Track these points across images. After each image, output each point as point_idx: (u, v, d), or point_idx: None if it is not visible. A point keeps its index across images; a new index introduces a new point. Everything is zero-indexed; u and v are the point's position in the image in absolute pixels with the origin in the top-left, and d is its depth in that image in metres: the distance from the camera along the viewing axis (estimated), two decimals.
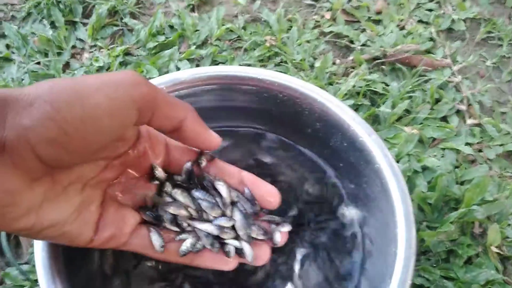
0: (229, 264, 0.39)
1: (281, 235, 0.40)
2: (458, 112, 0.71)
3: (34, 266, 0.55)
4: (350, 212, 0.52)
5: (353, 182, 0.51)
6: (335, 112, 0.49)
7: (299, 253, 0.51)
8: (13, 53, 0.76)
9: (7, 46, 0.77)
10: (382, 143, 0.47)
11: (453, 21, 0.83)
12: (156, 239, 0.37)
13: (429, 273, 0.54)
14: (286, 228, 0.41)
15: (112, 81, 0.29)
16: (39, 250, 0.40)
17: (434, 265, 0.56)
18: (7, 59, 0.75)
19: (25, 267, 0.56)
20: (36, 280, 0.54)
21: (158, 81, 0.49)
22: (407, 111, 0.70)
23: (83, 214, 0.34)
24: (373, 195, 0.48)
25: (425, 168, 0.63)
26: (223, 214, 0.39)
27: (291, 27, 0.80)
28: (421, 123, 0.68)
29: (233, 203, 0.40)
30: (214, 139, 0.36)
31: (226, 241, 0.39)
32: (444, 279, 0.54)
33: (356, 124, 0.48)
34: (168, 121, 0.33)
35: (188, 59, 0.75)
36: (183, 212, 0.39)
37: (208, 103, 0.53)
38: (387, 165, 0.46)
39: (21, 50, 0.76)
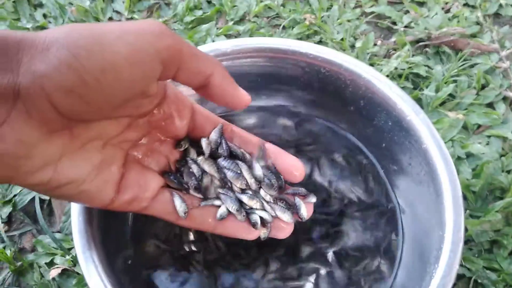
0: (252, 233, 0.38)
1: (306, 207, 0.39)
2: (505, 99, 0.67)
3: (66, 235, 0.55)
4: (391, 194, 0.50)
5: (396, 164, 0.49)
6: (381, 89, 0.47)
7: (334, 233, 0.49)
8: (50, 22, 0.75)
9: (44, 16, 0.76)
10: (430, 123, 0.45)
11: (500, 6, 0.79)
12: (179, 205, 0.36)
13: (471, 263, 0.52)
14: (312, 199, 0.40)
15: (134, 29, 0.27)
16: (76, 214, 0.39)
17: (477, 255, 0.53)
18: (44, 29, 0.74)
19: (57, 236, 0.55)
20: (69, 249, 0.53)
21: None
22: (451, 96, 0.67)
23: (103, 173, 0.32)
24: (418, 177, 0.46)
25: (469, 155, 0.60)
26: (247, 185, 0.38)
27: (332, 5, 0.78)
28: (466, 109, 0.65)
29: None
30: (243, 97, 0.35)
31: (254, 210, 0.38)
32: (487, 270, 0.52)
33: (403, 103, 0.46)
34: (194, 76, 0.32)
35: (225, 35, 0.73)
36: (208, 180, 0.38)
37: (247, 77, 0.51)
38: (435, 146, 0.44)
39: (58, 20, 0.75)
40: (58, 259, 0.54)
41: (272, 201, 0.39)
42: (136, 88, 0.28)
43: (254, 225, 0.38)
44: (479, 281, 0.51)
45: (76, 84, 0.25)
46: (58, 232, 0.56)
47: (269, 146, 0.39)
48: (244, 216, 0.38)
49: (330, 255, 0.47)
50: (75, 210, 0.39)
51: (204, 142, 0.38)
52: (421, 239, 0.44)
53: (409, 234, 0.47)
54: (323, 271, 0.47)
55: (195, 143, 0.39)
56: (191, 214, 0.37)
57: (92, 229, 0.40)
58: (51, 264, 0.54)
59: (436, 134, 0.45)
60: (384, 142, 0.49)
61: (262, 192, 0.39)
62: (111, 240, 0.42)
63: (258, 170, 0.39)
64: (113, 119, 0.32)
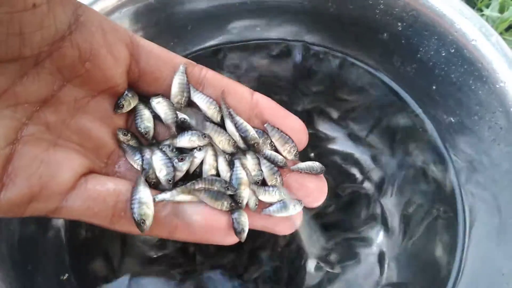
0: (232, 236, 0.25)
1: (319, 191, 0.28)
2: None
3: None
4: (447, 160, 0.35)
5: (454, 114, 0.34)
6: (429, 2, 0.32)
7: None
8: None
9: None
10: (509, 50, 0.30)
11: None
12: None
13: None
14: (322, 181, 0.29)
15: None
16: None
17: None
18: None
19: None
20: None
21: None
22: None
23: None
24: (491, 134, 0.31)
25: None
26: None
27: None
28: None
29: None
30: None
31: (241, 192, 0.26)
32: None
33: (464, 21, 0.32)
34: None
35: None
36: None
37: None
38: None
39: None
40: None
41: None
42: None
43: (239, 232, 0.25)
44: None
45: None
46: None
47: (261, 99, 0.28)
48: (229, 203, 0.25)
49: None
50: None
51: (156, 100, 0.25)
52: (497, 239, 0.29)
53: (476, 239, 0.32)
54: None
55: (146, 98, 0.26)
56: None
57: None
58: None
59: None
60: (434, 83, 0.36)
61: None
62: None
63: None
64: None
